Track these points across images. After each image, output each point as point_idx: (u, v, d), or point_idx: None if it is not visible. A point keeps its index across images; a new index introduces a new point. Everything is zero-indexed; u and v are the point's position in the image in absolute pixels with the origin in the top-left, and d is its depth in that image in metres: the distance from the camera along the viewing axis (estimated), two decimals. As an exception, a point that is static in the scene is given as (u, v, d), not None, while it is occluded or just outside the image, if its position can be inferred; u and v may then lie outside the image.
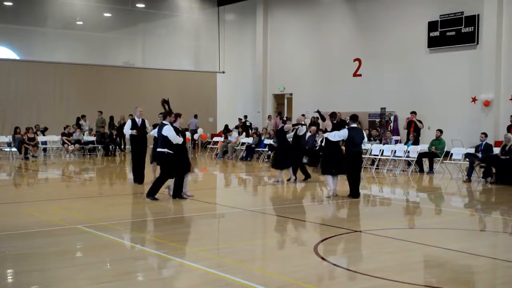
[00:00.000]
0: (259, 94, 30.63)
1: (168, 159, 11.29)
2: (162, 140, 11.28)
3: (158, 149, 11.45)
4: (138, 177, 14.15)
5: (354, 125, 11.95)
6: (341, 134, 11.68)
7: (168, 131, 11.23)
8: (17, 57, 28.91)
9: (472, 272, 6.68)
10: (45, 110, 26.92)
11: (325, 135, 11.96)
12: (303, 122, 15.06)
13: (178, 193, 11.54)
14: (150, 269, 6.68)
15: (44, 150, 23.50)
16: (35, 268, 6.52)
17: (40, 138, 23.16)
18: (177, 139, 11.27)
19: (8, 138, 22.78)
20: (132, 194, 12.12)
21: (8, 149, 22.69)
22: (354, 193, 11.83)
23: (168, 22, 31.72)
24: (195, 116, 29.15)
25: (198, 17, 32.51)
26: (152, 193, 11.39)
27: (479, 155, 15.68)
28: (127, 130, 14.18)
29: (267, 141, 21.81)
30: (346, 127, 11.85)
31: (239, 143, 23.24)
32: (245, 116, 29.10)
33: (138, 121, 14.19)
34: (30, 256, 7.07)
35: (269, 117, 28.00)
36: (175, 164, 11.32)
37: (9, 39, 28.46)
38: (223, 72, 32.07)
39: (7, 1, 28.10)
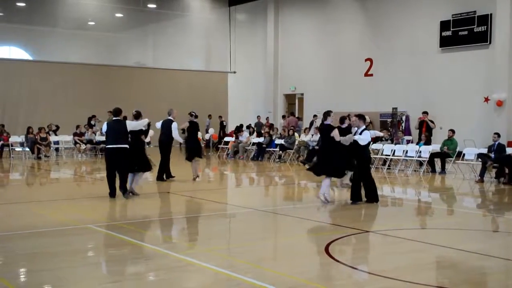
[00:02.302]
0: (270, 94, 30.56)
1: (127, 154, 11.58)
2: (125, 136, 11.69)
3: (120, 145, 11.47)
4: (167, 172, 14.71)
5: (364, 125, 11.24)
6: (366, 137, 10.98)
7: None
8: (30, 58, 29.15)
9: (485, 273, 6.63)
10: (57, 110, 26.99)
11: (356, 137, 11.01)
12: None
13: (123, 188, 11.59)
14: (161, 269, 6.67)
15: (56, 150, 23.64)
16: (47, 268, 6.55)
17: (52, 138, 23.30)
18: None
19: (21, 138, 22.90)
20: (143, 193, 12.14)
21: (20, 149, 22.86)
22: (374, 197, 11.19)
23: (179, 22, 31.77)
24: (209, 116, 29.21)
25: (209, 17, 32.53)
26: (119, 191, 11.57)
27: (492, 155, 15.56)
28: (176, 135, 14.55)
29: (278, 141, 21.77)
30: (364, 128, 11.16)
31: (250, 143, 23.23)
32: (220, 117, 29.54)
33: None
34: (42, 255, 7.11)
35: (284, 116, 27.95)
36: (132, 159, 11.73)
37: (21, 40, 28.68)
38: (234, 72, 32.08)
39: (20, 1, 28.31)
